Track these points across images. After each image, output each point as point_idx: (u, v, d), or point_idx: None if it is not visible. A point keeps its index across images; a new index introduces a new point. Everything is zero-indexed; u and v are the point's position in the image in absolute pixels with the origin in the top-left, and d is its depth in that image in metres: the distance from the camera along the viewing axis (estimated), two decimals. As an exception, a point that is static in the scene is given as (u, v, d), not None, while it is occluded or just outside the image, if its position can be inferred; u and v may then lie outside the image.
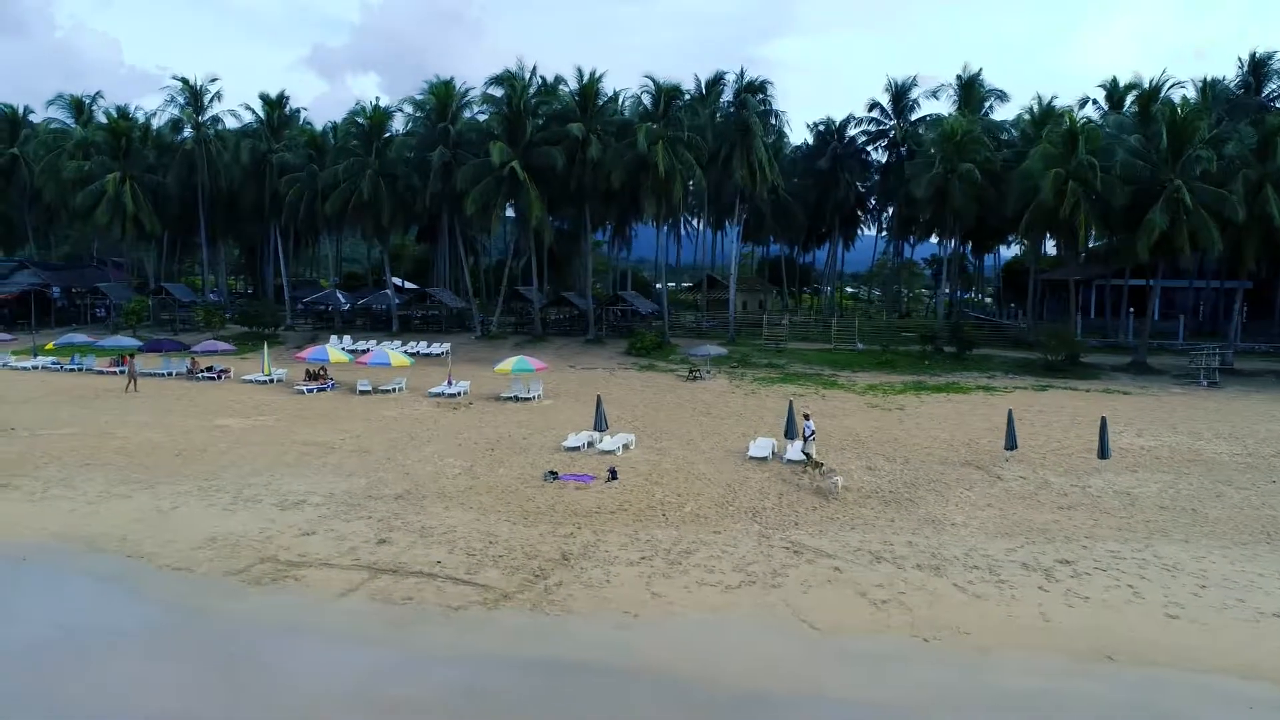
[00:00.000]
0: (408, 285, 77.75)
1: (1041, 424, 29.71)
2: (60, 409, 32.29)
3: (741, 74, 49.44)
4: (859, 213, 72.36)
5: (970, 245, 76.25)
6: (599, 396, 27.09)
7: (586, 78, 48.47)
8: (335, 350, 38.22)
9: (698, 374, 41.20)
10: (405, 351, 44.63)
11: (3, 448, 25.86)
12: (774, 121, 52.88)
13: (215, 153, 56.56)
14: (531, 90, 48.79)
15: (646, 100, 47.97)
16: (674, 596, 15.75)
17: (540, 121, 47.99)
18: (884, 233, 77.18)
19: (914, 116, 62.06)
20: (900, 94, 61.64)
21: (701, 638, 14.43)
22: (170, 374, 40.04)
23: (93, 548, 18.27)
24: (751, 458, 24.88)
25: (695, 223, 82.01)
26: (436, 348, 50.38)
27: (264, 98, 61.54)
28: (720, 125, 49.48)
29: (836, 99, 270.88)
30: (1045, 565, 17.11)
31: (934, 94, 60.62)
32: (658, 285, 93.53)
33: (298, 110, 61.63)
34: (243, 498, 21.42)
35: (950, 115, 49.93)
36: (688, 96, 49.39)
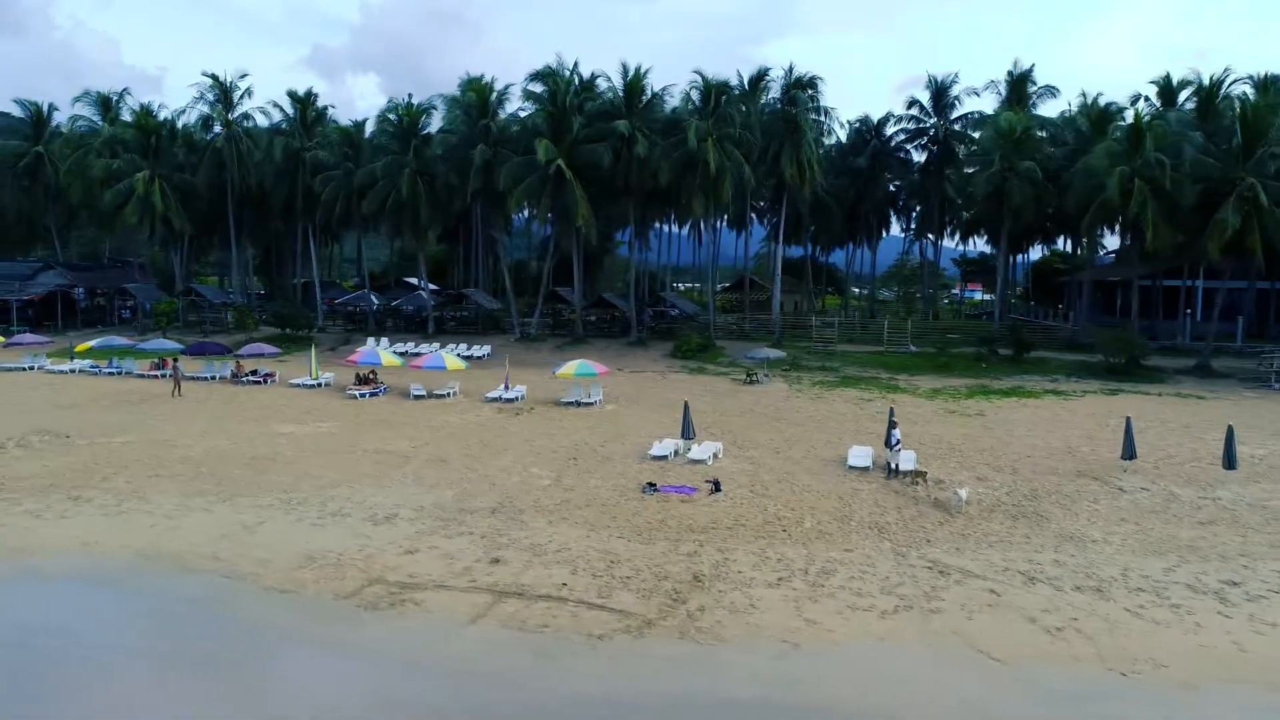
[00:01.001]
0: (430, 286, 76.44)
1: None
2: (109, 415, 31.08)
3: (790, 69, 48.47)
4: (891, 212, 71.27)
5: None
6: (686, 403, 25.87)
7: (631, 74, 47.30)
8: (387, 354, 37.03)
9: (754, 378, 40.02)
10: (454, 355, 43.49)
11: (66, 457, 24.68)
12: (823, 119, 51.75)
13: (246, 150, 55.32)
14: (571, 88, 47.54)
15: (695, 96, 46.79)
16: (830, 623, 14.60)
17: (584, 119, 46.74)
18: (909, 232, 75.98)
19: (954, 114, 60.91)
20: (941, 91, 60.49)
21: (873, 670, 13.30)
22: (213, 378, 38.83)
23: (185, 567, 17.11)
24: (852, 467, 23.73)
25: (717, 223, 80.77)
26: (478, 350, 49.28)
27: (292, 95, 60.28)
28: (767, 122, 48.32)
29: (839, 98, 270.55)
30: (1212, 587, 15.97)
31: (976, 92, 59.60)
32: (677, 286, 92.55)
33: (326, 108, 60.28)
34: (328, 511, 20.26)
35: (1006, 112, 48.70)
36: (734, 92, 48.12)
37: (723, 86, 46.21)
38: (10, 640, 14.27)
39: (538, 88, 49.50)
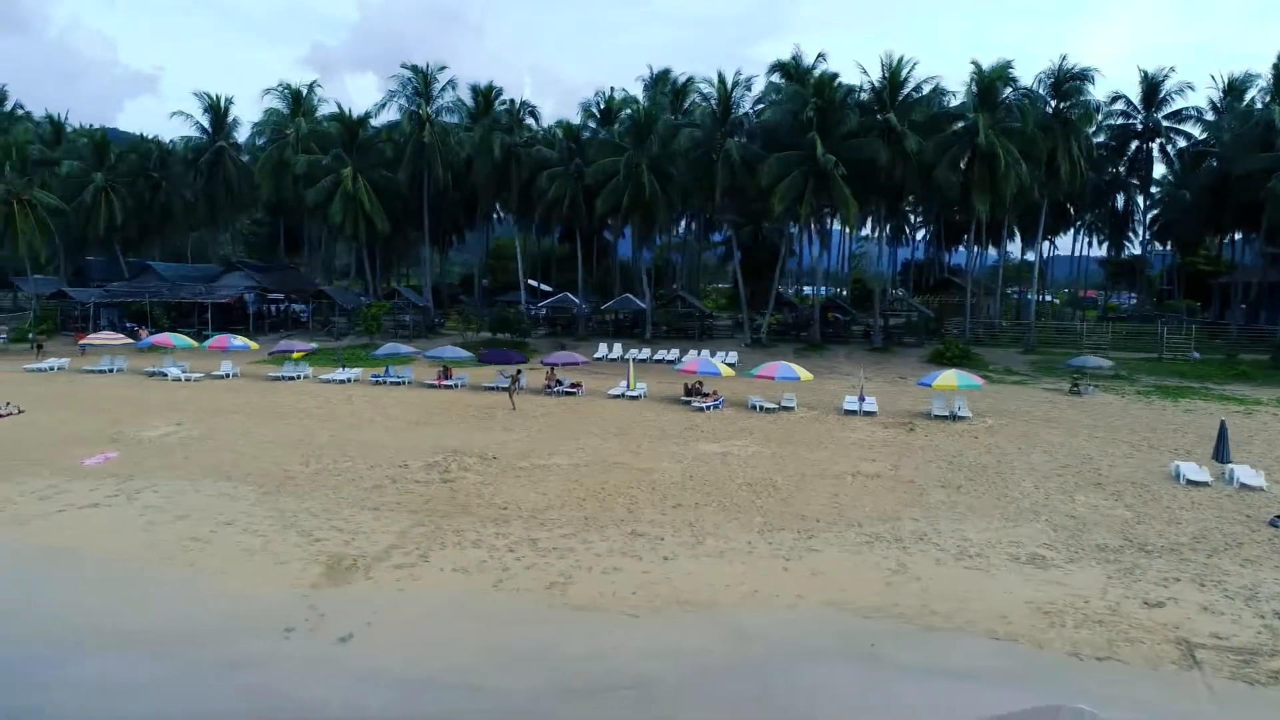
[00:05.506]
0: (542, 287, 73.72)
1: None
2: (484, 432, 28.34)
3: (1061, 60, 45.84)
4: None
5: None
6: (1223, 423, 23.43)
7: (894, 64, 44.81)
8: (723, 364, 34.50)
9: (1078, 389, 37.51)
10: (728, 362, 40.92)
11: (547, 483, 22.03)
12: (1097, 115, 49.36)
13: (454, 145, 52.66)
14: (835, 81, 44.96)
15: (966, 89, 44.38)
16: None
17: (851, 113, 44.23)
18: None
19: (1165, 110, 58.50)
20: (1152, 86, 58.05)
21: None
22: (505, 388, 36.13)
23: (925, 625, 14.49)
24: None
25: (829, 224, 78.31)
26: (722, 355, 46.65)
27: (475, 89, 57.80)
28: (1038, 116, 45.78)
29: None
30: None
31: (1191, 86, 57.32)
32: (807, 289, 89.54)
33: (525, 103, 57.44)
34: (953, 550, 17.69)
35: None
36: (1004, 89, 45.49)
37: (1005, 75, 43.65)
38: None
39: (776, 78, 47.30)
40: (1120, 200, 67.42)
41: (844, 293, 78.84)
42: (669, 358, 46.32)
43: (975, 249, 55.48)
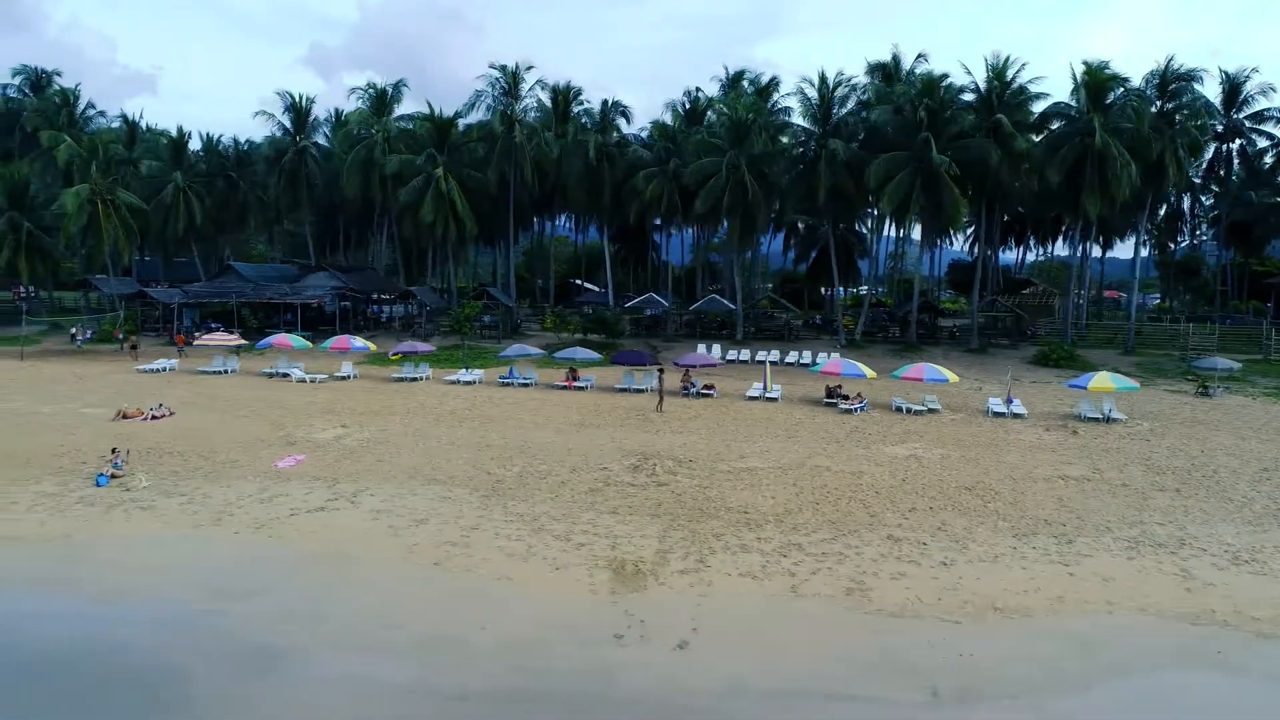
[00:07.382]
0: (587, 286, 73.65)
1: None
2: (656, 435, 28.22)
3: (1167, 62, 45.65)
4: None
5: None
6: None
7: (1000, 64, 44.65)
8: (866, 366, 34.34)
9: (1207, 390, 37.36)
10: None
11: (774, 490, 21.87)
12: (1205, 118, 49.29)
13: (544, 145, 52.44)
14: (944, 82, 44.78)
15: (1074, 89, 44.19)
16: None
17: (962, 114, 44.13)
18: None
19: (1247, 111, 58.37)
20: (1234, 88, 57.94)
21: None
22: (644, 390, 35.95)
23: (1257, 633, 14.33)
24: None
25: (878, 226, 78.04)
26: (824, 357, 46.46)
27: (554, 89, 57.68)
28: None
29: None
30: None
31: (1274, 87, 57.15)
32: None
33: (616, 103, 57.15)
34: (1223, 554, 17.68)
35: None
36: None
37: (1114, 76, 43.48)
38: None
39: (874, 79, 47.20)
40: (1186, 200, 67.41)
41: (881, 291, 78.73)
42: (770, 358, 46.12)
43: (1080, 250, 55.07)
